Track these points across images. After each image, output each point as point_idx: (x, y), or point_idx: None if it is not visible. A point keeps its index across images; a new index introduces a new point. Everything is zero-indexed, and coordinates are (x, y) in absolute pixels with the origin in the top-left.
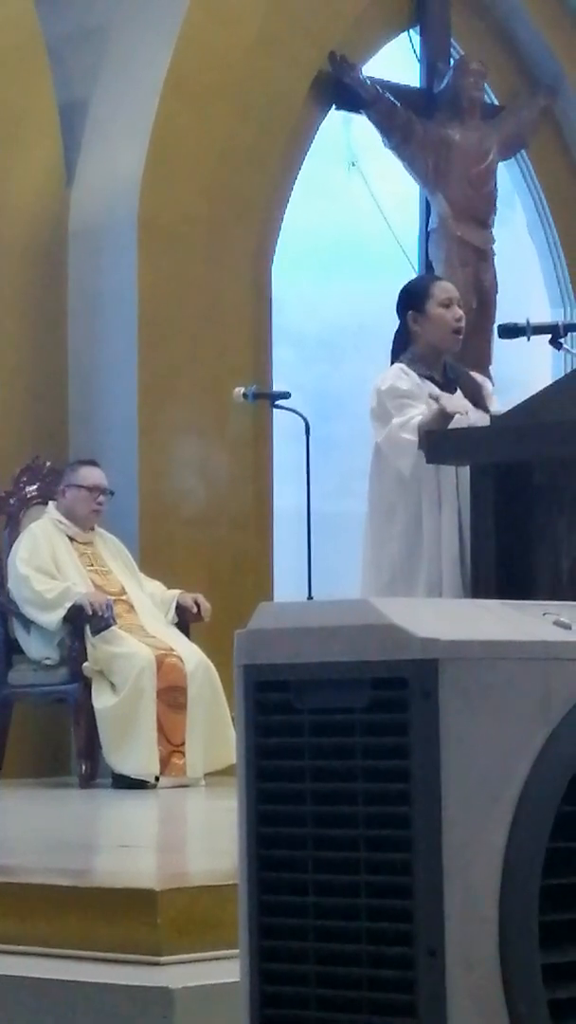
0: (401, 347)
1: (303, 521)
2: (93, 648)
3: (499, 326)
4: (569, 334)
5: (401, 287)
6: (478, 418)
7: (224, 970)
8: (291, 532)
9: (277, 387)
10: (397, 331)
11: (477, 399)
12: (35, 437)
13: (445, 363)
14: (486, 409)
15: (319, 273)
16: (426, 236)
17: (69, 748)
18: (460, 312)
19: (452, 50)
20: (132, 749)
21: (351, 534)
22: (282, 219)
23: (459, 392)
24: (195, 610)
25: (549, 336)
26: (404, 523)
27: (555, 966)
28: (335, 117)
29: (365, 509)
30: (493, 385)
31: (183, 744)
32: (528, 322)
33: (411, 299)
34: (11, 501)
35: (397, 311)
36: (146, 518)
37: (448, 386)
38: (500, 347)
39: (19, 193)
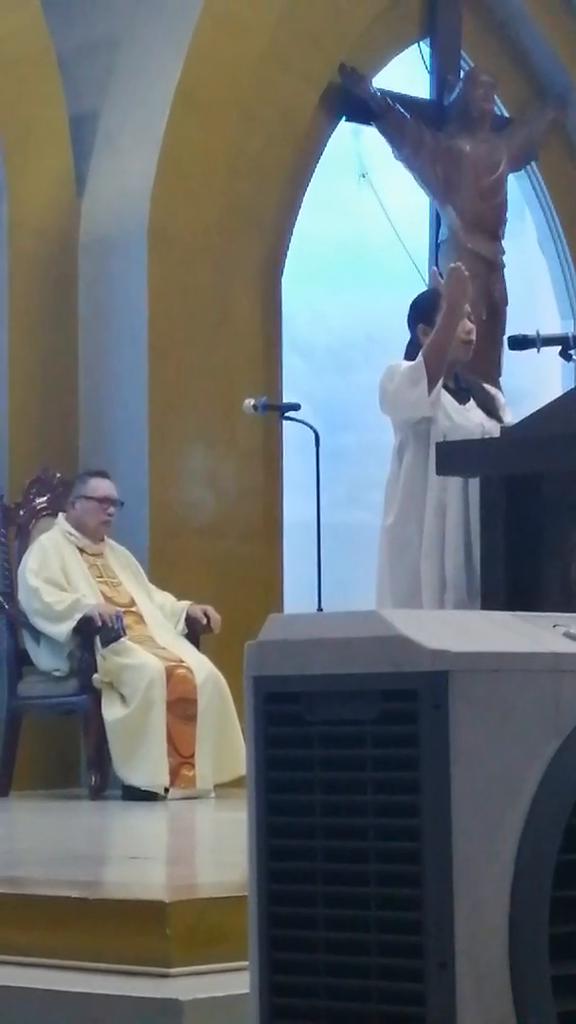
0: (412, 358)
1: (313, 532)
2: (103, 660)
3: (509, 338)
4: None
5: (412, 300)
6: (492, 428)
7: (234, 982)
8: (301, 543)
9: (287, 398)
10: (408, 343)
11: (490, 410)
12: (45, 448)
13: (457, 374)
14: (500, 420)
15: (329, 284)
16: (436, 248)
17: (79, 760)
18: (471, 324)
19: (462, 62)
20: (142, 761)
21: (361, 545)
22: (292, 230)
23: (472, 402)
24: (205, 621)
25: (559, 348)
26: (417, 528)
27: (565, 978)
28: (345, 129)
29: (380, 518)
30: (504, 397)
31: (193, 756)
32: (538, 334)
33: (422, 312)
34: (21, 512)
35: (408, 323)
36: (156, 529)
37: (461, 396)
38: (510, 359)
39: (30, 204)
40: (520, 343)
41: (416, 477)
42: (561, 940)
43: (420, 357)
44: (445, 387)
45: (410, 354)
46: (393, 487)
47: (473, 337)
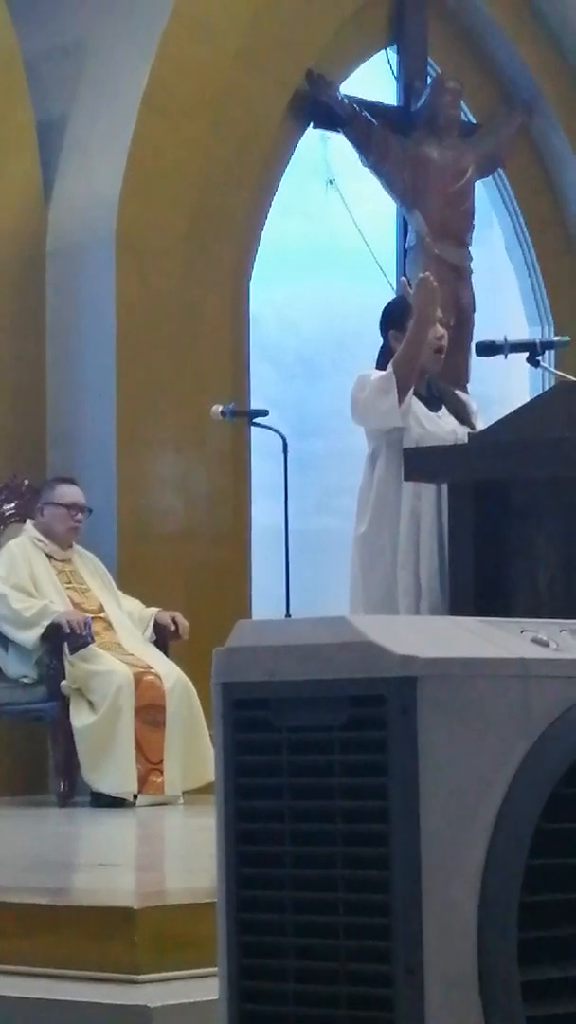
0: (383, 366)
1: (281, 538)
2: (71, 666)
3: (477, 344)
4: (546, 352)
5: (384, 306)
6: (464, 435)
7: (202, 988)
8: (269, 549)
9: (255, 404)
10: (380, 349)
11: (463, 417)
12: (13, 455)
13: (429, 382)
14: (472, 426)
15: (297, 291)
16: (403, 254)
17: (47, 766)
18: (442, 330)
19: (429, 68)
20: (110, 767)
21: (329, 551)
22: (260, 236)
23: (444, 409)
24: (173, 628)
25: (527, 354)
26: (391, 536)
27: (534, 983)
28: (312, 135)
29: (352, 525)
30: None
31: (161, 762)
32: (506, 340)
33: (393, 318)
34: None
35: (380, 329)
36: (124, 536)
37: (432, 403)
38: (478, 365)
39: None
40: (488, 349)
41: (389, 485)
42: (530, 945)
43: (390, 367)
44: (417, 395)
45: (382, 360)
46: (366, 495)
47: (444, 343)
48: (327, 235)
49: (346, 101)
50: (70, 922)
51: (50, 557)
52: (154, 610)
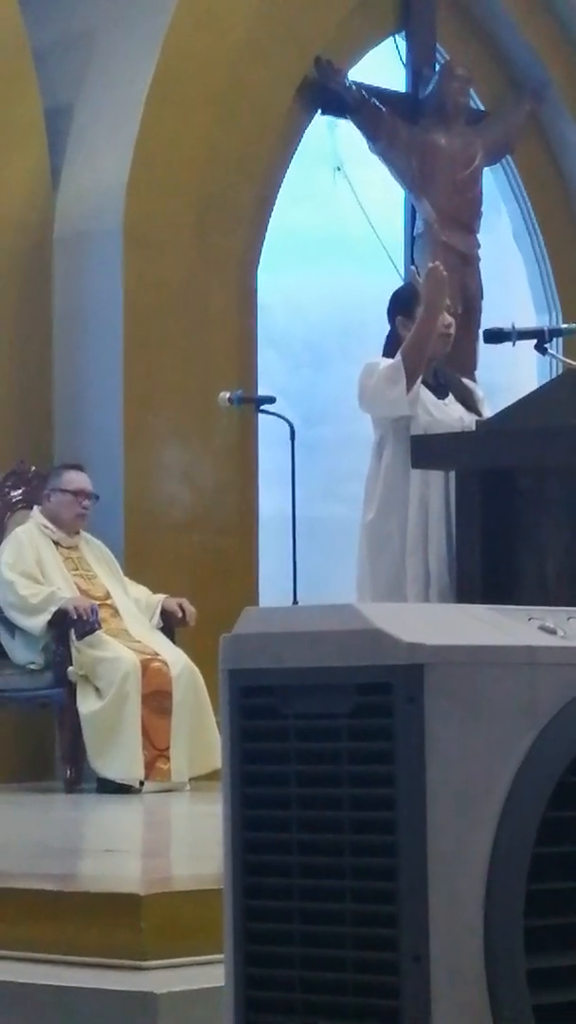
0: (391, 352)
1: (288, 525)
2: (78, 653)
3: (485, 331)
4: (554, 339)
5: (392, 293)
6: (471, 422)
7: (208, 975)
8: (276, 536)
9: (262, 391)
10: (387, 336)
11: (469, 405)
12: (20, 441)
13: (436, 369)
14: (479, 414)
15: (305, 278)
16: (411, 241)
17: (54, 753)
18: (449, 318)
19: (437, 55)
20: (117, 754)
21: (336, 538)
22: (268, 224)
23: (451, 397)
24: (180, 615)
25: (534, 341)
26: (399, 523)
27: (540, 971)
28: (320, 122)
29: (360, 512)
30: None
31: (168, 749)
32: (513, 327)
33: (401, 304)
34: None
35: (388, 316)
36: (131, 522)
37: (439, 390)
38: (485, 352)
39: (4, 199)
40: (495, 337)
41: (397, 472)
42: (536, 933)
43: (399, 356)
44: (424, 382)
45: (389, 346)
46: (373, 483)
47: (452, 331)
48: (335, 222)
49: (354, 88)
50: (76, 908)
51: (57, 544)
52: (161, 597)
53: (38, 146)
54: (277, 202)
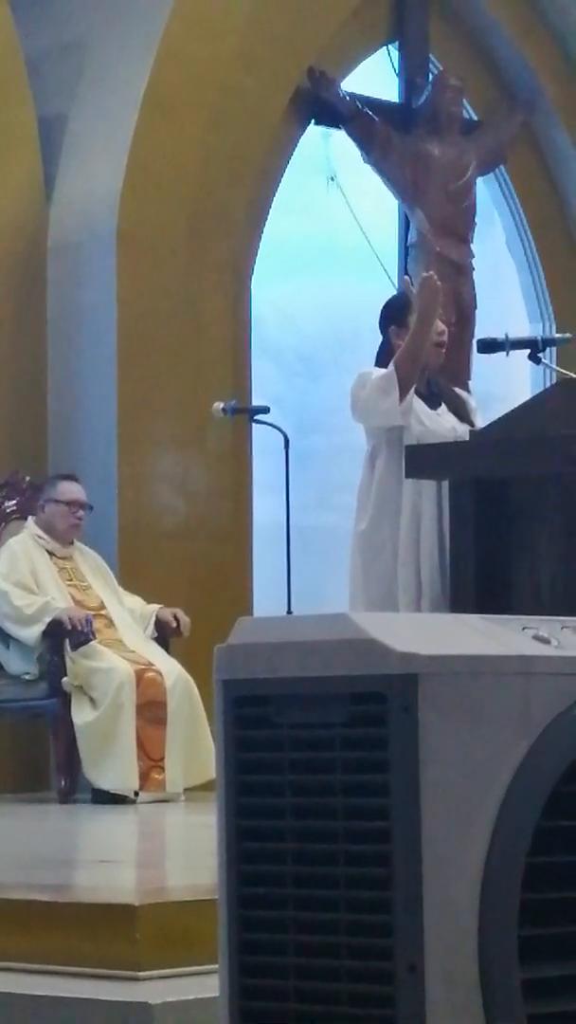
0: (384, 362)
1: (282, 535)
2: (72, 663)
3: (478, 341)
4: (548, 349)
5: (384, 302)
6: (463, 432)
7: (204, 985)
8: (270, 546)
9: (256, 401)
10: (380, 346)
11: (462, 414)
12: (14, 452)
13: (428, 379)
14: (471, 424)
15: (298, 287)
16: (405, 251)
17: (48, 763)
18: (442, 327)
19: (431, 65)
20: (111, 764)
21: (330, 548)
22: (261, 233)
23: (444, 407)
24: (174, 625)
25: (528, 351)
26: (391, 533)
27: (534, 981)
28: (314, 132)
29: (353, 522)
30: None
31: (163, 759)
32: (507, 337)
33: (393, 314)
34: None
35: (380, 326)
36: (125, 533)
37: (432, 400)
38: (479, 362)
39: None
40: (489, 346)
41: (390, 482)
42: (531, 942)
43: (392, 366)
44: (417, 392)
45: (382, 356)
46: (366, 492)
47: (445, 339)
48: (328, 232)
49: (347, 98)
50: (71, 919)
51: (51, 554)
52: (155, 607)
53: (31, 155)
54: (271, 212)
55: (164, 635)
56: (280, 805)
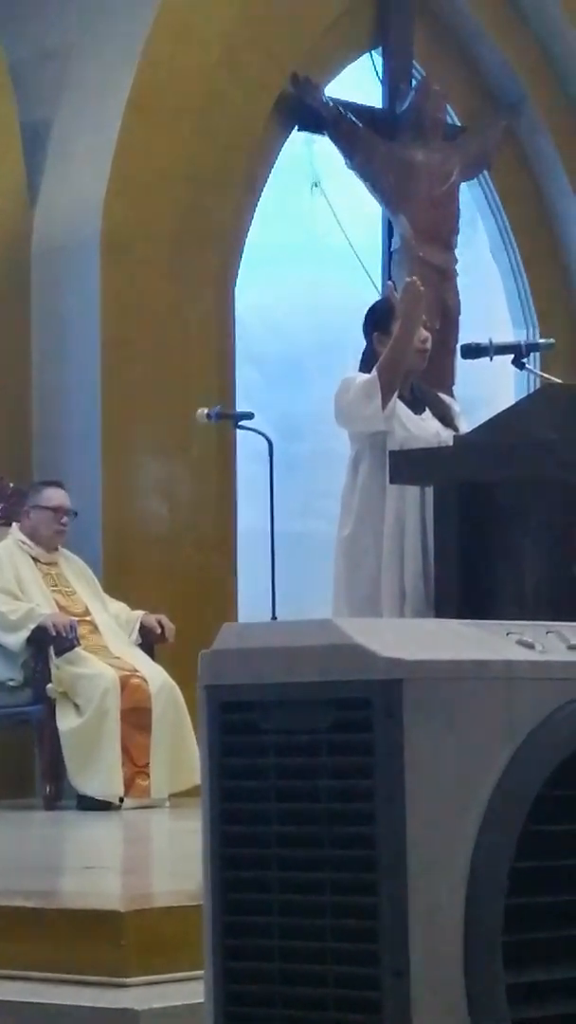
0: (368, 367)
1: (267, 541)
2: (57, 669)
3: (462, 346)
4: (531, 354)
5: (368, 308)
6: (447, 437)
7: (189, 991)
8: (255, 552)
9: (240, 407)
10: (364, 351)
11: (446, 419)
12: None
13: (412, 384)
14: (455, 429)
15: (282, 294)
16: (389, 256)
17: (33, 770)
18: (426, 333)
19: (414, 71)
20: (96, 770)
21: (315, 554)
22: (245, 239)
23: (428, 412)
24: (159, 631)
25: (512, 356)
26: (375, 538)
27: (520, 986)
28: (297, 138)
29: (337, 527)
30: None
31: (147, 765)
32: (491, 342)
33: (377, 320)
34: None
35: (364, 332)
36: (110, 539)
37: (416, 405)
38: (463, 367)
39: None
40: (473, 352)
41: (373, 488)
42: (516, 947)
43: (374, 371)
44: (400, 397)
45: (366, 362)
46: (349, 498)
47: (428, 346)
48: (312, 238)
49: (331, 104)
50: (56, 925)
51: (36, 560)
52: (140, 613)
53: (15, 161)
54: (254, 218)
55: (149, 641)
56: (265, 811)
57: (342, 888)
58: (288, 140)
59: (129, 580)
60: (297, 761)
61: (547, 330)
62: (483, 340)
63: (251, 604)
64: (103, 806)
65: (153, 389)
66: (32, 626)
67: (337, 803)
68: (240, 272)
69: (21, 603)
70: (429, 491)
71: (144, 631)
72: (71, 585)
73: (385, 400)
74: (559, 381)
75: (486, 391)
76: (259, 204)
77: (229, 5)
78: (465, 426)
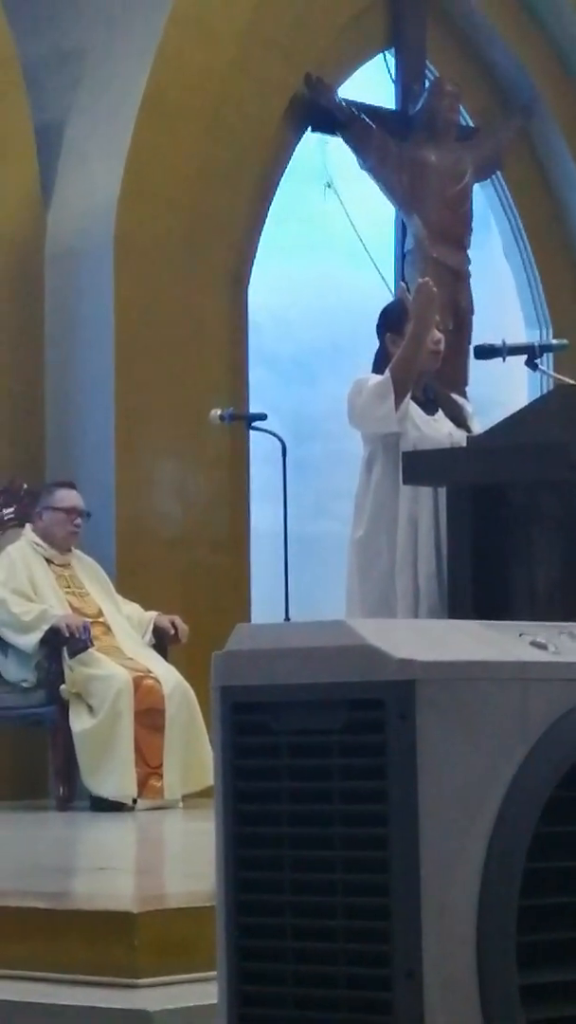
0: (381, 368)
1: (280, 542)
2: (70, 670)
3: (475, 347)
4: (544, 355)
5: (381, 309)
6: (460, 438)
7: (202, 992)
8: (268, 553)
9: (253, 408)
10: (377, 352)
11: (459, 420)
12: (12, 459)
13: (425, 385)
14: (468, 430)
15: (295, 294)
16: (402, 257)
17: (46, 771)
18: (439, 334)
19: (427, 72)
20: (110, 771)
21: (328, 555)
22: (258, 240)
23: (440, 413)
24: (172, 632)
25: (525, 357)
26: (388, 539)
27: (533, 987)
28: (311, 139)
29: (350, 528)
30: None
31: (161, 766)
32: (504, 343)
33: (390, 320)
34: None
35: (377, 332)
36: (123, 540)
37: (429, 406)
38: (476, 368)
39: None
40: (486, 352)
41: (386, 489)
42: (529, 948)
43: (387, 372)
44: (413, 398)
45: (379, 363)
46: (363, 499)
47: (441, 347)
48: (325, 239)
49: (344, 105)
50: (70, 926)
51: (49, 561)
52: (153, 614)
53: (29, 162)
54: (268, 218)
55: (162, 642)
56: (278, 811)
57: (354, 889)
58: (301, 141)
59: (142, 581)
60: (310, 762)
61: (560, 331)
62: (496, 341)
63: (264, 605)
64: (116, 807)
65: (166, 390)
66: (45, 627)
67: (350, 804)
68: (253, 273)
69: (34, 604)
70: (442, 492)
71: (157, 632)
72: (84, 586)
73: (398, 401)
74: (572, 382)
75: (499, 392)
76: (272, 205)
77: (243, 7)
78: (478, 427)
